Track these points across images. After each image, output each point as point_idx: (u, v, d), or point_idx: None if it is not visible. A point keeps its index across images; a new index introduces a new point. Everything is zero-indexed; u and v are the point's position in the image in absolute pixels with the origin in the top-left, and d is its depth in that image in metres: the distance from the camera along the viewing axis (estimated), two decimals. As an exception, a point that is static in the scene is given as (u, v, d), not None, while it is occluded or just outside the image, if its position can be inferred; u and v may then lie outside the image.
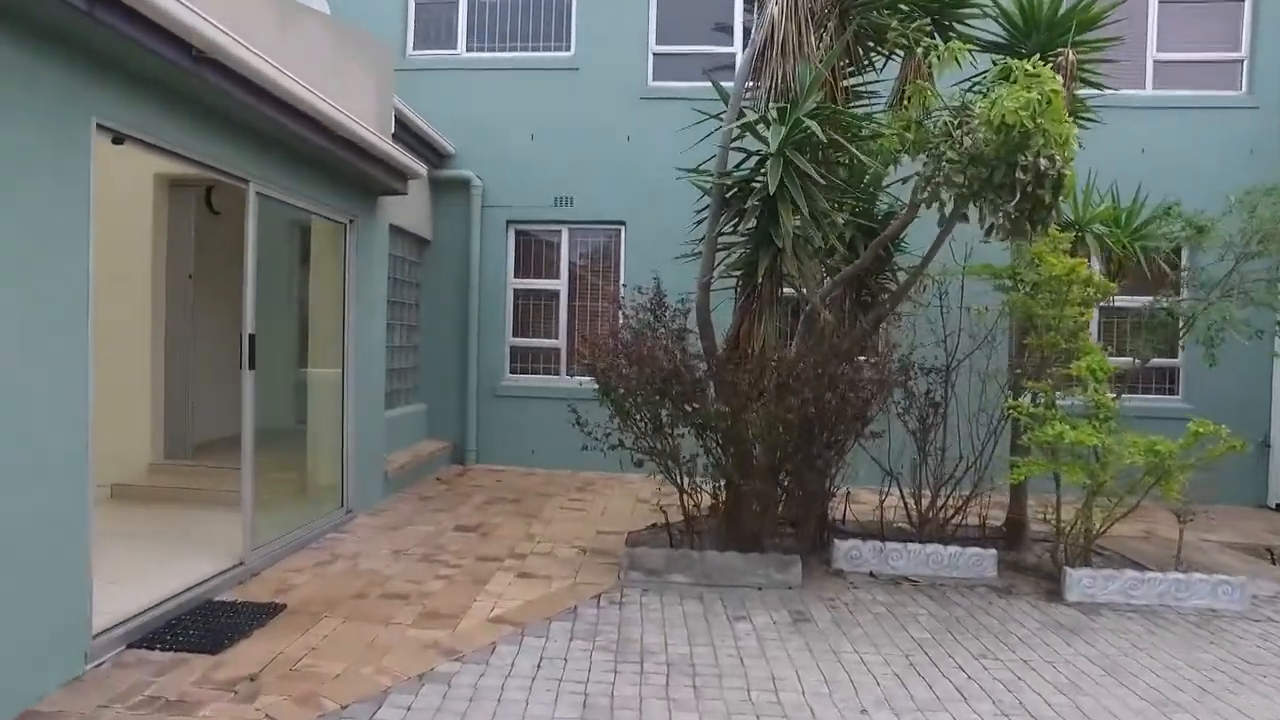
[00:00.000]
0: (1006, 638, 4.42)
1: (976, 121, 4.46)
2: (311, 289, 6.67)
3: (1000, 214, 4.56)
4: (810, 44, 4.97)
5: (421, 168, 6.88)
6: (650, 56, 9.42)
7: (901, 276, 6.46)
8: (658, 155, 9.10)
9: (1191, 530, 5.51)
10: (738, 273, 5.41)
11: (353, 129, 5.53)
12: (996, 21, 5.88)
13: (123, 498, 6.55)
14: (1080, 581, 5.03)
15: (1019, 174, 4.50)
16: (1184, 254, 7.93)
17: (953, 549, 5.54)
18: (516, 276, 9.55)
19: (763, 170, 5.16)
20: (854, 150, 4.98)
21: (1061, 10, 5.70)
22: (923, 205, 5.15)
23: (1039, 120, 4.31)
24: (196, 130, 4.45)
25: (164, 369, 6.99)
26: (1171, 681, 3.93)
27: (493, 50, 9.64)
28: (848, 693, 3.72)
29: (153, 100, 4.06)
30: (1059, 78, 4.39)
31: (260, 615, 4.37)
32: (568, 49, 9.53)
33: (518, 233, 9.58)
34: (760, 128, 4.98)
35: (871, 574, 5.54)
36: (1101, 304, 5.53)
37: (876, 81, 6.28)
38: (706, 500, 5.54)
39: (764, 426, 4.72)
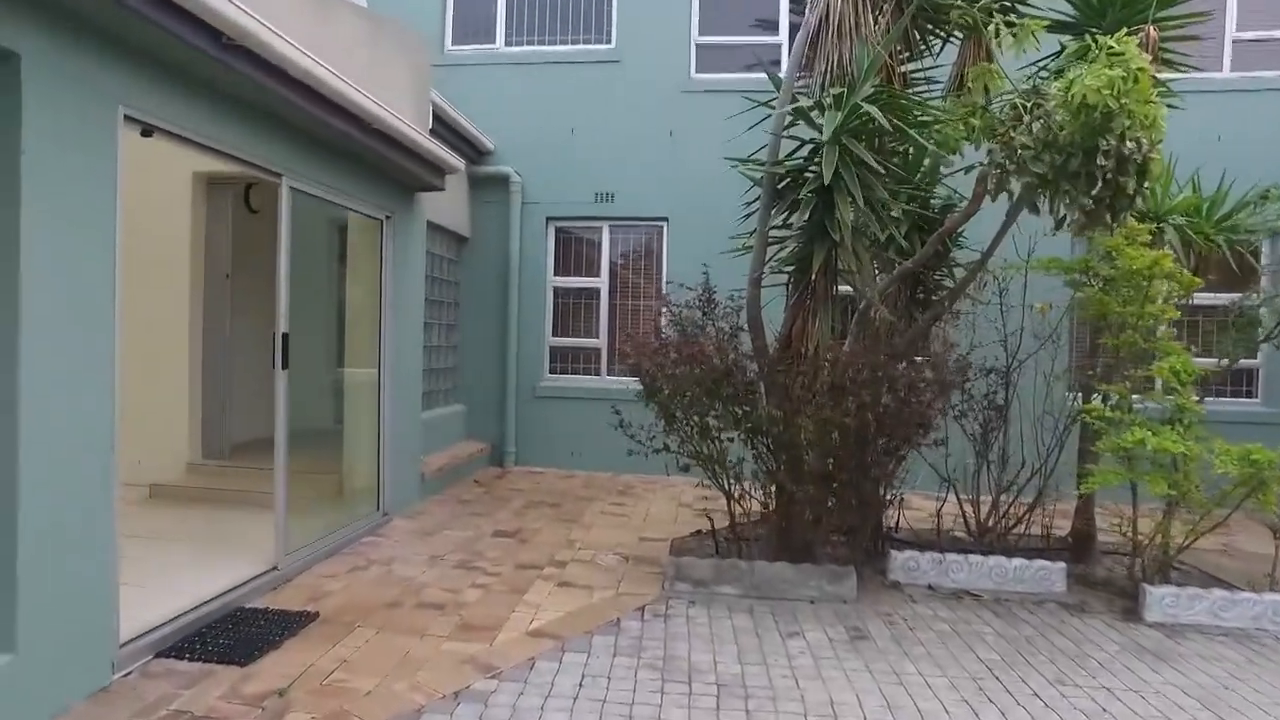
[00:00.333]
0: (1084, 661, 4.08)
1: (1052, 104, 4.12)
2: (348, 287, 6.54)
3: (1076, 204, 4.21)
4: (868, 25, 4.67)
5: (459, 162, 6.71)
6: (693, 48, 9.17)
7: (958, 273, 6.13)
8: (701, 149, 8.85)
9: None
10: (789, 269, 5.12)
11: (389, 122, 5.37)
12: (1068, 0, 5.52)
13: (160, 498, 6.49)
14: (1162, 600, 4.65)
15: (1099, 160, 4.16)
16: (1265, 248, 7.44)
17: (1018, 561, 5.20)
18: (556, 274, 9.36)
19: (816, 159, 4.88)
20: (916, 137, 4.65)
21: (1142, -16, 5.32)
22: (988, 197, 4.84)
23: (1123, 100, 3.96)
24: (228, 122, 4.30)
25: (202, 368, 6.92)
26: (1280, 717, 3.57)
27: (532, 44, 9.46)
28: (913, 720, 3.43)
29: (182, 91, 3.91)
30: (1145, 54, 4.03)
31: (292, 624, 4.21)
32: (608, 41, 9.31)
33: (557, 230, 9.38)
34: (814, 114, 4.69)
35: (930, 587, 5.22)
36: (1182, 301, 5.12)
37: (934, 67, 5.95)
38: (756, 507, 5.28)
39: (819, 431, 4.43)
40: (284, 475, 4.97)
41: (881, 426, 4.64)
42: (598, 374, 9.26)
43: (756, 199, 5.13)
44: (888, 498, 5.30)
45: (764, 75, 5.61)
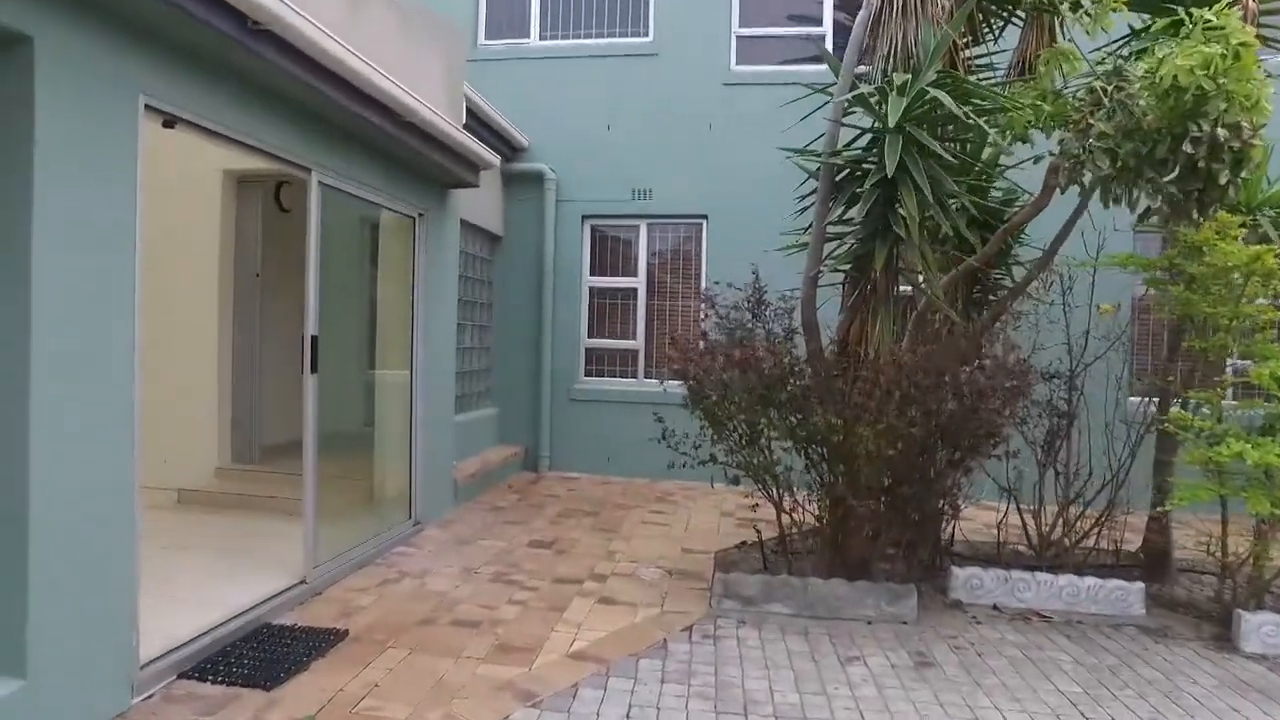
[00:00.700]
0: (1179, 697, 3.71)
1: (1137, 86, 3.77)
2: (379, 287, 6.32)
3: (1163, 195, 3.85)
4: (936, 3, 4.33)
5: (494, 158, 6.47)
6: (733, 39, 8.86)
7: (1016, 271, 5.77)
8: (743, 144, 8.56)
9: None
10: (844, 267, 4.80)
11: (423, 114, 5.14)
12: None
13: (189, 504, 6.32)
14: (1260, 629, 4.26)
15: (1188, 147, 3.80)
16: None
17: (1090, 580, 4.83)
18: (592, 274, 9.10)
19: (874, 149, 4.58)
20: (983, 125, 4.30)
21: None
22: (1058, 189, 4.50)
23: (1220, 80, 3.60)
24: (254, 113, 4.08)
25: (231, 370, 6.76)
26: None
27: (566, 38, 9.21)
28: (996, 764, 3.11)
29: (206, 79, 3.70)
30: (1249, 28, 3.66)
31: (320, 643, 3.99)
32: (645, 34, 9.04)
33: (593, 228, 9.12)
34: (875, 101, 4.37)
35: (995, 607, 4.88)
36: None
37: (995, 53, 5.60)
38: (809, 519, 4.97)
39: (881, 441, 4.11)
40: (313, 484, 4.76)
41: (947, 436, 4.31)
42: (635, 377, 8.98)
43: (811, 193, 4.83)
44: (952, 512, 4.95)
45: (809, 66, 5.35)
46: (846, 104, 4.45)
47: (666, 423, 4.91)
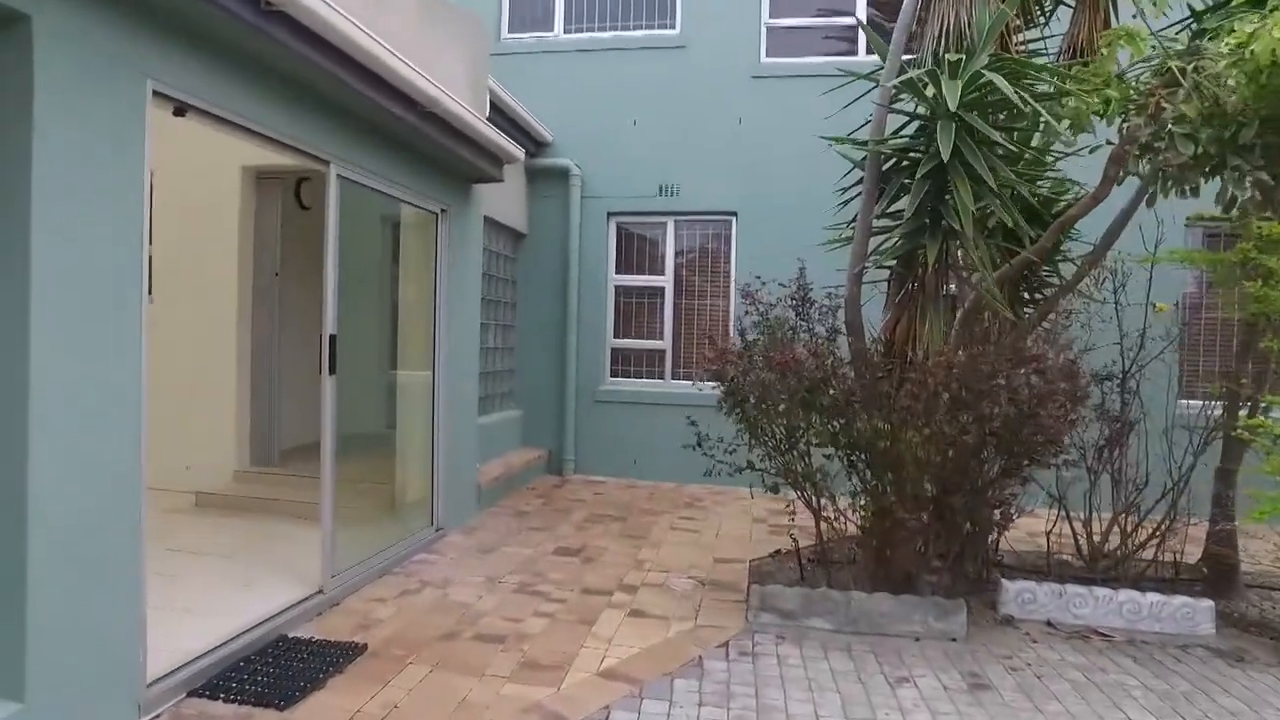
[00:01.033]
0: (1265, 729, 3.42)
1: (1222, 64, 3.47)
2: (401, 286, 6.14)
3: (1254, 182, 3.55)
4: (990, -21, 4.07)
5: (519, 151, 6.26)
6: (763, 30, 8.59)
7: (1063, 268, 5.47)
8: (773, 138, 8.31)
9: None
10: (890, 263, 4.53)
11: (447, 105, 4.93)
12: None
13: (207, 507, 6.17)
14: (1348, 652, 3.95)
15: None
16: None
17: (1153, 596, 4.53)
18: (618, 272, 8.86)
19: (920, 137, 4.31)
20: (1044, 111, 4.01)
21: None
22: (1118, 180, 4.21)
23: (1319, 56, 3.30)
24: (269, 102, 3.89)
25: (251, 370, 6.60)
26: None
27: (592, 31, 8.99)
28: (1070, 805, 2.84)
29: (218, 65, 3.51)
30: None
31: (338, 658, 3.78)
32: (673, 26, 8.80)
33: (619, 225, 8.89)
34: (925, 87, 4.10)
35: (1049, 623, 4.58)
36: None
37: (1045, 38, 5.31)
38: (852, 529, 4.71)
39: (930, 447, 3.84)
40: (331, 490, 4.57)
41: (1001, 443, 4.03)
42: (661, 377, 8.74)
43: (854, 185, 4.57)
44: (1005, 523, 4.66)
45: (841, 58, 5.07)
46: (895, 89, 4.18)
47: (699, 426, 4.67)
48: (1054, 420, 3.95)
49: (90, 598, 2.94)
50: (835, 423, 4.15)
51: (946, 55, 4.00)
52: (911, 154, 4.25)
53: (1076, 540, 5.05)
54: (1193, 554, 5.11)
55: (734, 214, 8.51)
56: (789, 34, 8.59)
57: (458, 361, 6.29)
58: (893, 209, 4.59)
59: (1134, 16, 4.35)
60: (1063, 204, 5.32)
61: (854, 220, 4.54)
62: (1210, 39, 3.92)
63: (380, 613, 4.42)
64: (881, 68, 4.40)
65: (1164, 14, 4.27)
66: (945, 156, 3.69)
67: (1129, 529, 4.88)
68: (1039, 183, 5.34)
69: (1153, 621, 4.50)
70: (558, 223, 8.73)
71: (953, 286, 5.02)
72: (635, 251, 8.89)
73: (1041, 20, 5.14)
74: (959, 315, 4.87)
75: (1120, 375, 5.10)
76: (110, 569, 3.04)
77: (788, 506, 4.67)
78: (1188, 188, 3.94)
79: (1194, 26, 4.68)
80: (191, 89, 3.38)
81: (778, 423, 4.38)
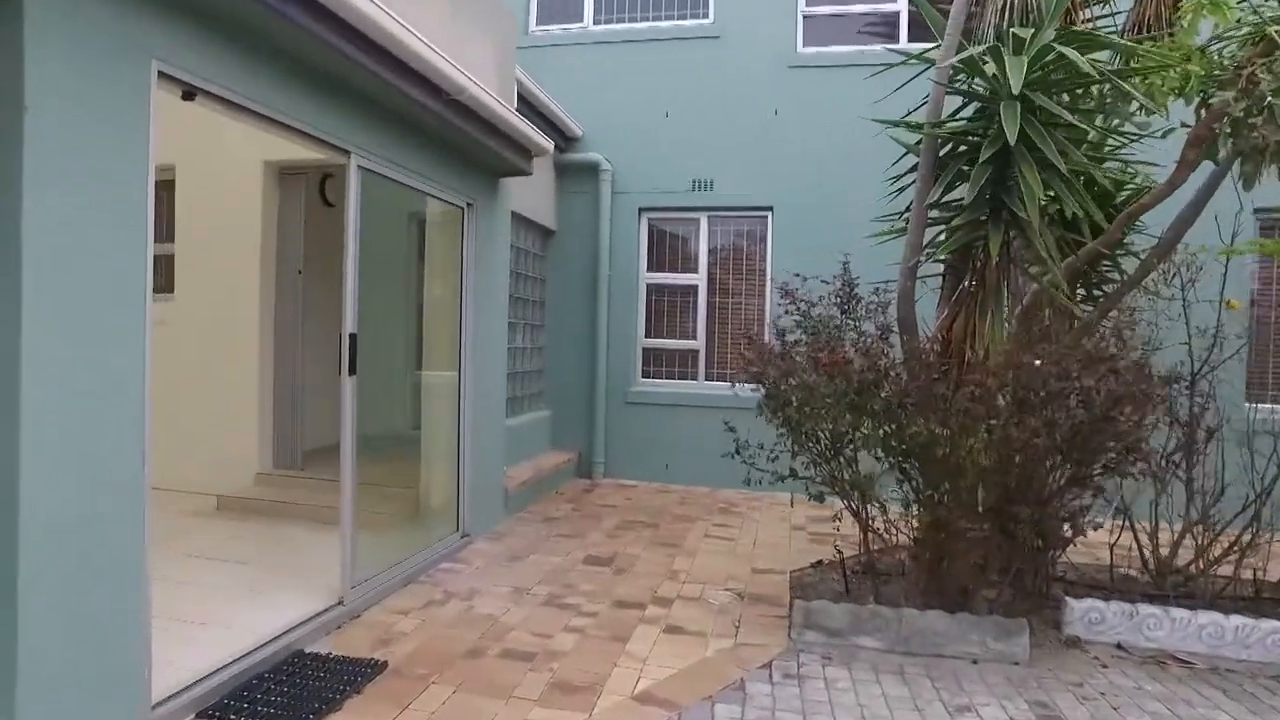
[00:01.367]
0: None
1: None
2: (426, 283, 5.92)
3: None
4: (1059, -54, 3.74)
5: (548, 143, 6.02)
6: (800, 19, 8.27)
7: (1124, 261, 5.12)
8: (810, 130, 7.99)
9: None
10: (945, 256, 4.21)
11: (473, 91, 4.70)
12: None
13: (227, 510, 6.00)
14: None
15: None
16: None
17: (1238, 620, 4.16)
18: (649, 270, 8.59)
19: (979, 120, 4.00)
20: (1125, 85, 3.68)
21: None
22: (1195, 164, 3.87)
23: None
24: (285, 87, 3.67)
25: (273, 371, 6.43)
26: None
27: (622, 22, 8.74)
28: None
29: (229, 45, 3.30)
30: None
31: (356, 676, 3.56)
32: (706, 15, 8.51)
33: (651, 222, 8.62)
34: (985, 64, 3.78)
35: (1120, 646, 4.24)
36: None
37: (1116, 13, 4.96)
38: (898, 539, 4.41)
39: (996, 455, 3.52)
40: (351, 495, 4.35)
41: (1071, 449, 3.71)
42: (694, 378, 8.45)
43: (907, 173, 4.25)
44: (1072, 537, 4.31)
45: (881, 46, 4.77)
46: (954, 67, 3.87)
47: (739, 433, 4.40)
48: (1132, 425, 3.60)
49: (89, 612, 2.73)
50: (887, 427, 3.84)
51: (1012, 29, 3.67)
52: (970, 138, 3.94)
53: (1142, 553, 4.70)
54: (1274, 572, 4.73)
55: (770, 209, 8.21)
56: (827, 22, 8.27)
57: (484, 361, 6.06)
58: (946, 199, 4.28)
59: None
60: (1126, 192, 4.98)
61: (906, 210, 4.23)
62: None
63: (402, 626, 4.19)
64: (937, 45, 4.09)
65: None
66: (1012, 139, 3.37)
67: (1204, 543, 4.53)
68: (1104, 163, 5.00)
69: (1238, 648, 4.13)
70: (587, 219, 8.48)
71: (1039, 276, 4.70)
72: (667, 248, 8.62)
73: (1105, -5, 4.79)
74: (1017, 312, 4.55)
75: (1189, 377, 4.75)
76: (111, 581, 2.83)
77: (835, 516, 4.38)
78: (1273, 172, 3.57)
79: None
80: (201, 71, 3.17)
81: (823, 427, 4.09)
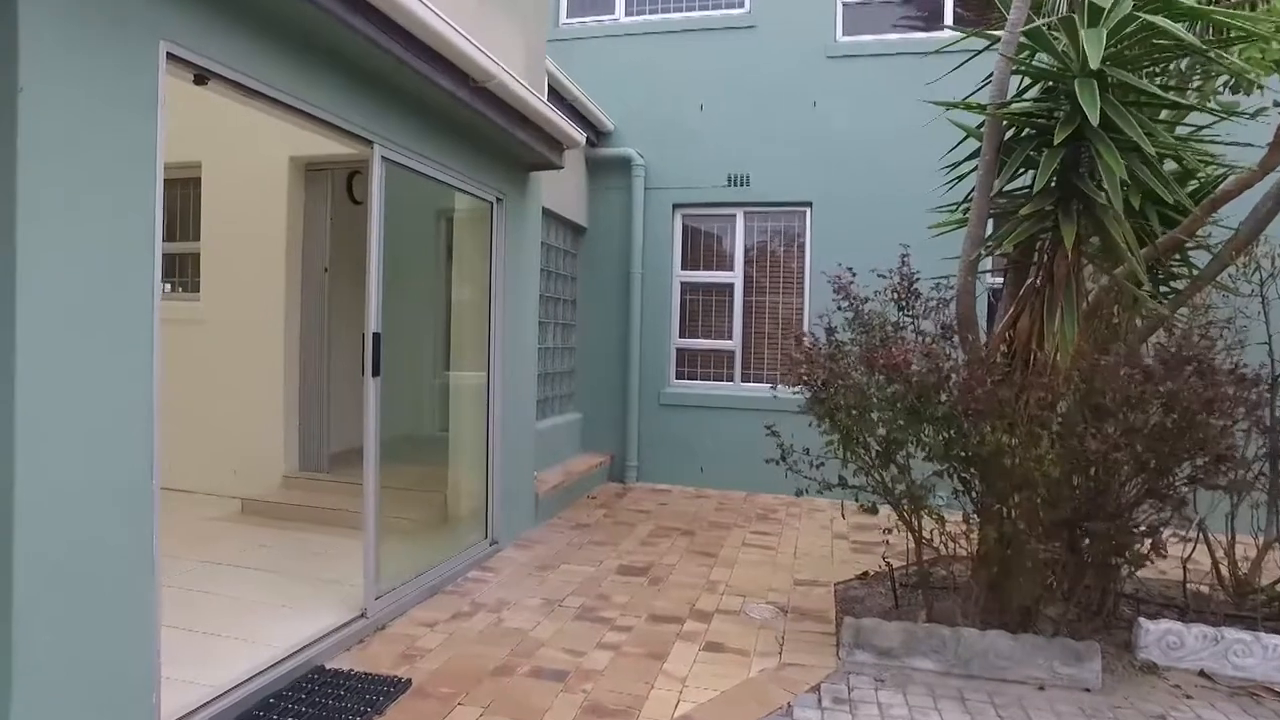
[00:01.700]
0: None
1: None
2: (454, 281, 5.73)
3: None
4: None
5: (580, 135, 5.79)
6: (839, 7, 7.96)
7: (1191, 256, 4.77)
8: (850, 122, 7.68)
9: None
10: (1010, 249, 3.89)
11: (502, 79, 4.49)
12: None
13: (251, 514, 5.85)
14: None
15: None
16: None
17: (1338, 648, 3.80)
18: (683, 268, 8.33)
19: (1047, 101, 3.69)
20: (1225, 58, 3.35)
21: None
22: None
23: None
24: (304, 72, 3.47)
25: (299, 371, 6.28)
26: None
27: (655, 13, 8.49)
28: None
29: (244, 28, 3.10)
30: None
31: (377, 695, 3.35)
32: (742, 5, 8.23)
33: (685, 218, 8.35)
34: (1056, 39, 3.47)
35: (1204, 674, 3.89)
36: None
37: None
38: (950, 551, 4.13)
39: (1069, 465, 3.22)
40: (374, 501, 4.15)
41: (1154, 459, 3.39)
42: (730, 380, 8.17)
43: (965, 159, 3.95)
44: (1148, 554, 3.98)
45: (923, 34, 4.46)
46: (1021, 43, 3.56)
47: (782, 437, 4.13)
48: (1221, 431, 3.28)
49: (91, 635, 2.54)
50: (947, 433, 3.55)
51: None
52: (1038, 119, 3.63)
53: (1218, 570, 4.36)
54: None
55: (809, 204, 7.91)
56: (868, 11, 7.95)
57: (514, 362, 5.85)
58: (1008, 188, 3.97)
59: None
60: (1201, 178, 4.63)
61: (964, 201, 3.93)
62: None
63: (428, 640, 3.98)
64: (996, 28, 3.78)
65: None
66: (1095, 119, 3.05)
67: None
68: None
69: (1340, 677, 3.78)
70: (620, 216, 8.25)
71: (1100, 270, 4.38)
72: (702, 245, 8.35)
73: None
74: (1082, 309, 4.23)
75: (1270, 380, 4.39)
76: (115, 600, 2.64)
77: (886, 530, 4.10)
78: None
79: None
80: (214, 53, 2.97)
81: (875, 434, 3.81)
